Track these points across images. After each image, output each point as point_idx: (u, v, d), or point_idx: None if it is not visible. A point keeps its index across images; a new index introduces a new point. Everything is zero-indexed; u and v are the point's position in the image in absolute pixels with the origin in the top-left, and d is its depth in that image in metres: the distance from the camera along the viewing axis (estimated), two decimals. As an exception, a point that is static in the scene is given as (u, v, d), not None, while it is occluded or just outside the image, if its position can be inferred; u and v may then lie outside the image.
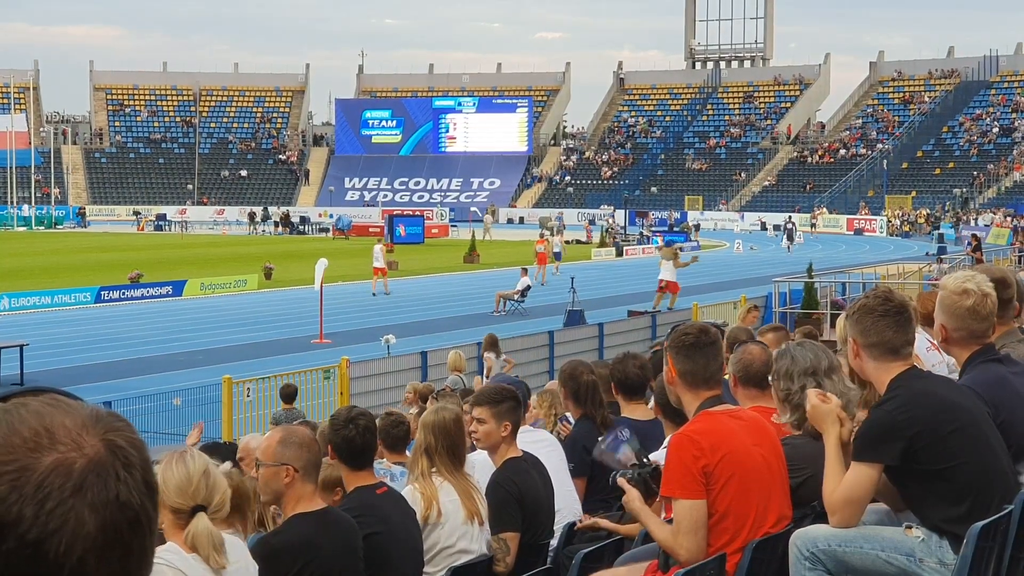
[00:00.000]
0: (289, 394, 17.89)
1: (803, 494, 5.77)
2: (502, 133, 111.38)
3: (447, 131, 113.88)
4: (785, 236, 70.97)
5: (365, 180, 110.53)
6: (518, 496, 6.61)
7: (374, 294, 42.86)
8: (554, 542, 6.86)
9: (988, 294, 5.57)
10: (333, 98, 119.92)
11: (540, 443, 7.54)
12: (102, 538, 1.47)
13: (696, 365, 5.20)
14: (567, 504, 7.20)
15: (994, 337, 5.74)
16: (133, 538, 1.50)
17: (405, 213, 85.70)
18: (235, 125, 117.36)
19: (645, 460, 5.62)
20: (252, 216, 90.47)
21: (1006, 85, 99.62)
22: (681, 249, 38.38)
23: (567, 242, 71.72)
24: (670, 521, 5.10)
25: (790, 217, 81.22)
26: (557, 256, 53.35)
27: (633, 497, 5.32)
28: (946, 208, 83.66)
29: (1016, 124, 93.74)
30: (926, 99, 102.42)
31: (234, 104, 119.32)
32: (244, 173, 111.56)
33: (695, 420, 5.15)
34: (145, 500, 1.53)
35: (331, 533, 5.54)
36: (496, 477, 6.72)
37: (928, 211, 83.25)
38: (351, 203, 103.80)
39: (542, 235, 58.52)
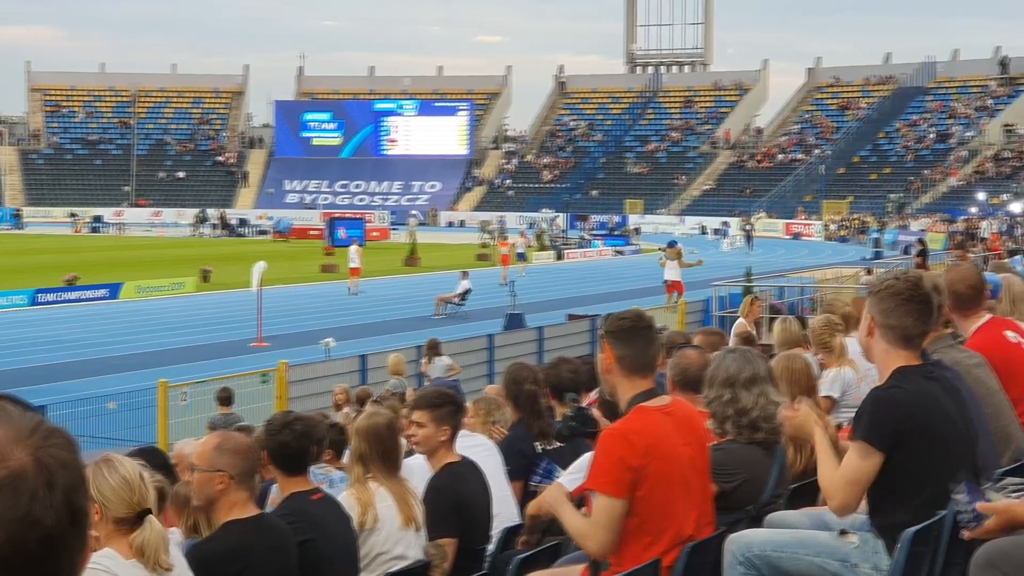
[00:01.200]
0: (225, 398, 17.74)
1: (737, 498, 5.78)
2: (443, 136, 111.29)
3: (388, 134, 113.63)
4: (745, 238, 71.78)
5: (305, 182, 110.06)
6: (456, 501, 6.59)
7: (353, 294, 43.70)
8: (491, 547, 6.83)
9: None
10: (272, 100, 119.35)
11: (478, 447, 7.52)
12: (7, 551, 1.44)
13: (634, 350, 5.14)
14: (504, 509, 7.18)
15: (926, 343, 5.76)
16: (44, 557, 1.46)
17: (345, 216, 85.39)
18: (173, 126, 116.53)
19: (576, 412, 5.58)
20: (199, 217, 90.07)
21: (942, 91, 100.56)
22: (665, 248, 39.02)
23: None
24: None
25: (725, 221, 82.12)
26: (521, 257, 53.87)
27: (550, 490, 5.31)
28: (887, 212, 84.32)
29: (952, 130, 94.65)
30: (863, 105, 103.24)
31: (172, 105, 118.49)
32: (182, 175, 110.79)
33: (630, 417, 5.08)
34: (63, 521, 1.48)
35: (265, 540, 5.50)
36: (434, 482, 6.69)
37: (859, 217, 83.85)
38: (290, 205, 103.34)
39: (506, 237, 59.44)
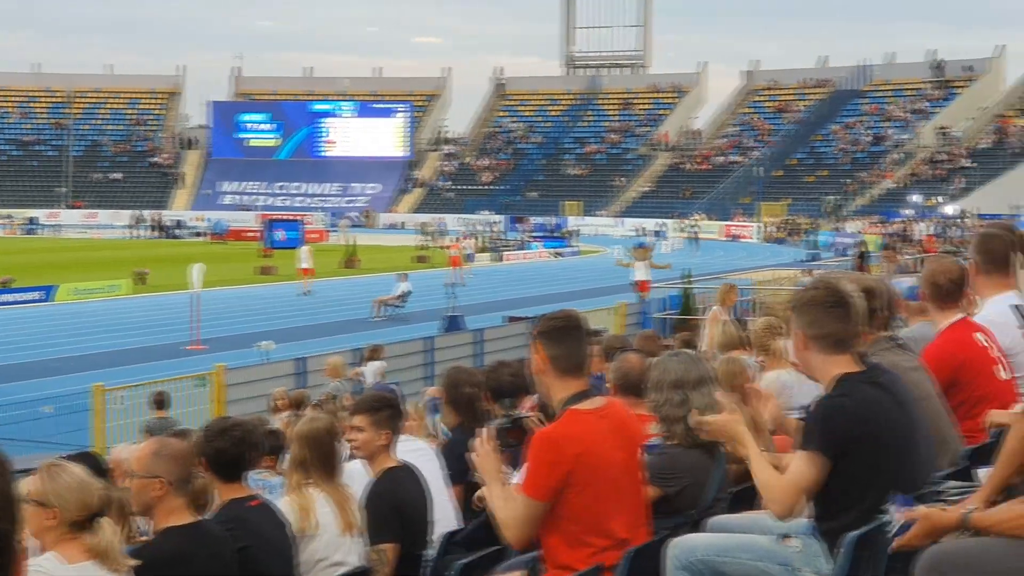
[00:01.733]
0: (161, 402, 17.55)
1: (679, 503, 5.77)
2: (382, 138, 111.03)
3: (326, 135, 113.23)
4: (692, 239, 72.61)
5: (242, 184, 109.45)
6: (396, 506, 6.54)
7: (305, 293, 44.17)
8: (431, 552, 6.79)
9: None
10: (209, 101, 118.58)
11: (418, 452, 7.48)
12: None
13: (567, 349, 5.10)
14: (445, 514, 7.14)
15: (865, 346, 5.76)
16: None
17: (283, 217, 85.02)
18: (108, 127, 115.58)
19: (509, 416, 5.57)
20: (136, 219, 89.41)
21: (878, 94, 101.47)
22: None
23: (447, 247, 71.73)
24: None
25: (663, 222, 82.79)
26: (469, 258, 54.21)
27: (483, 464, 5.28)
28: (824, 214, 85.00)
29: (887, 133, 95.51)
30: (799, 108, 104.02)
31: (107, 106, 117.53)
32: (117, 176, 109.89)
33: (561, 421, 5.05)
34: None
35: (203, 546, 5.44)
36: (374, 487, 6.64)
37: (792, 219, 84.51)
38: (227, 207, 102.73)
39: (457, 239, 60.36)
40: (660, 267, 38.45)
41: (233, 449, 5.93)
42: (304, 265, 45.66)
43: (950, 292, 6.95)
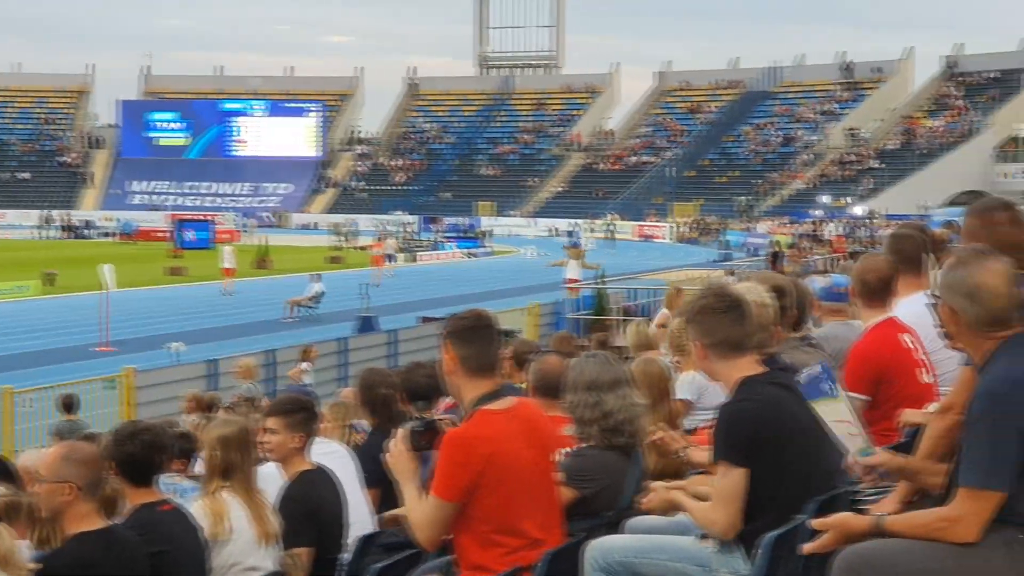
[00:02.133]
0: (69, 404, 17.30)
1: (596, 504, 5.76)
2: (293, 137, 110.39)
3: (237, 135, 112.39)
4: (607, 239, 73.25)
5: (151, 183, 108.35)
6: (310, 510, 6.48)
7: (227, 293, 44.08)
8: (347, 556, 6.73)
9: (767, 304, 5.60)
10: (118, 100, 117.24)
11: (333, 454, 7.42)
12: None
13: (474, 349, 5.09)
14: (360, 517, 7.08)
15: (774, 346, 5.78)
16: None
17: (193, 218, 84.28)
18: (16, 126, 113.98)
19: (422, 419, 5.55)
20: (44, 219, 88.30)
21: (788, 96, 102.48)
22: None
23: (362, 248, 71.56)
24: None
25: (576, 223, 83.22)
26: (390, 259, 54.53)
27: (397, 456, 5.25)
28: (736, 214, 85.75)
29: (797, 134, 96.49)
30: (711, 109, 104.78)
31: (15, 105, 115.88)
32: (26, 175, 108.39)
33: (471, 421, 5.04)
34: None
35: (114, 552, 5.36)
36: (288, 491, 6.57)
37: (701, 219, 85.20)
38: (136, 207, 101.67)
39: (379, 239, 60.77)
40: (590, 267, 38.77)
41: (143, 453, 5.85)
42: (226, 265, 45.70)
43: (878, 290, 6.99)
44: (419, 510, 5.04)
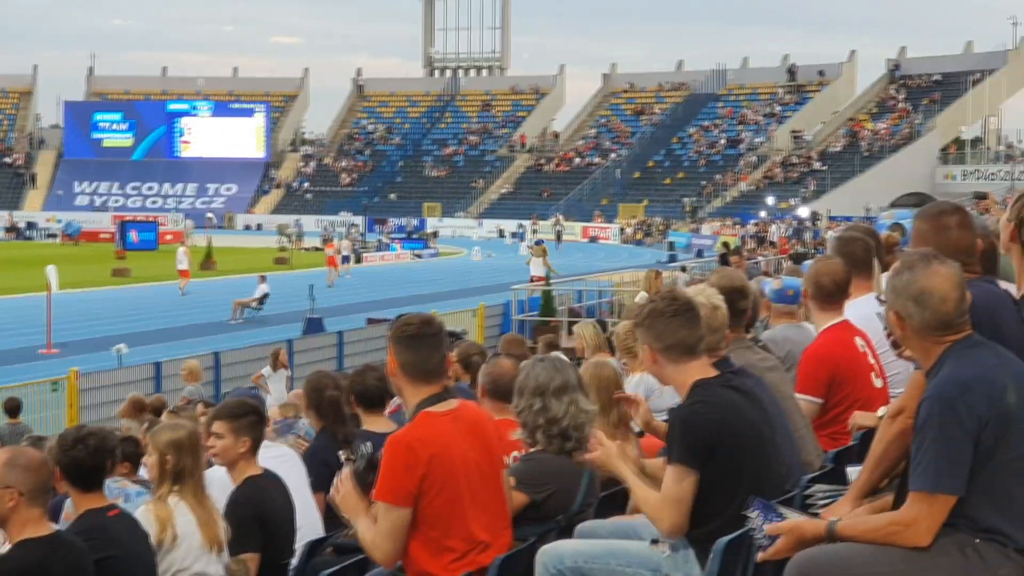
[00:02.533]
0: (13, 408, 17.14)
1: (548, 509, 5.75)
2: (239, 138, 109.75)
3: (182, 135, 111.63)
4: (555, 238, 73.79)
5: (96, 184, 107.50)
6: (258, 516, 6.43)
7: (184, 295, 44.10)
8: (295, 561, 6.69)
9: (718, 307, 5.60)
10: (62, 100, 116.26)
11: (281, 458, 7.37)
12: None
13: (418, 356, 5.10)
14: (308, 521, 7.04)
15: (724, 347, 5.78)
16: None
17: (138, 219, 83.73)
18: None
19: (359, 454, 5.54)
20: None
21: (733, 98, 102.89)
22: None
23: (306, 249, 71.34)
24: None
25: (521, 224, 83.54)
26: (345, 260, 54.88)
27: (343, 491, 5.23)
28: (683, 215, 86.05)
29: (742, 136, 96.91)
30: (657, 111, 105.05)
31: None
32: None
33: (414, 424, 5.04)
34: None
35: (61, 558, 5.31)
36: (235, 496, 6.52)
37: (645, 220, 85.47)
38: (81, 208, 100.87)
39: (330, 240, 60.92)
40: (550, 268, 39.58)
41: (89, 458, 5.79)
42: (181, 267, 46.11)
43: (832, 293, 7.00)
44: (372, 530, 5.01)
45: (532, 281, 37.11)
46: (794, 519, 4.33)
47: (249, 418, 6.65)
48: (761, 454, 4.93)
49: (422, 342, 5.12)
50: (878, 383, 6.78)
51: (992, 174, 79.49)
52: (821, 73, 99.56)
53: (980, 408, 4.10)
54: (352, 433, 7.79)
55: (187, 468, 6.26)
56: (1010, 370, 4.25)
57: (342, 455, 5.76)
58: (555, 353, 14.08)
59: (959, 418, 4.09)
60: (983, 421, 4.09)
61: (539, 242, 48.42)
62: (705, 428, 4.82)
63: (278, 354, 21.96)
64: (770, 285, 8.23)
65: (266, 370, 21.48)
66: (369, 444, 5.88)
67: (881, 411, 5.69)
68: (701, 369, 4.99)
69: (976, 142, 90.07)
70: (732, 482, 4.82)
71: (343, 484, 5.20)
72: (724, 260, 38.45)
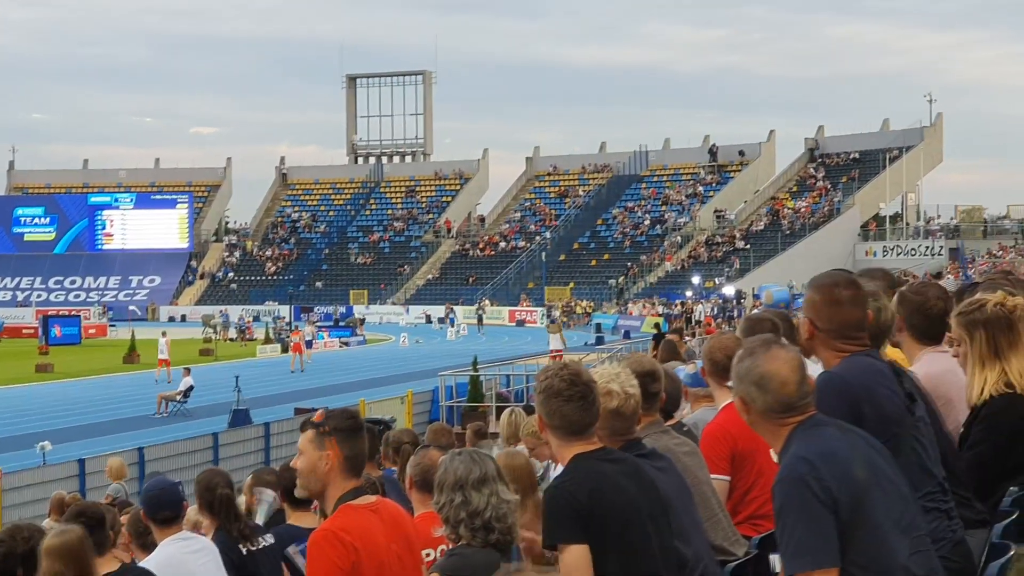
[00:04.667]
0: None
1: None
2: (162, 229, 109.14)
3: (104, 228, 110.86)
4: (449, 324, 73.75)
5: (17, 280, 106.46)
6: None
7: (163, 381, 44.10)
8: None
9: (631, 394, 5.63)
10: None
11: (201, 552, 7.31)
12: None
13: (355, 451, 5.11)
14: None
15: (639, 428, 5.80)
16: None
17: (60, 313, 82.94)
18: None
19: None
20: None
21: (655, 179, 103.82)
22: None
23: (232, 340, 70.95)
24: None
25: (451, 306, 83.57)
26: (308, 344, 55.42)
27: None
28: (610, 297, 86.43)
29: (666, 216, 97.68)
30: (581, 192, 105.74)
31: None
32: None
33: (338, 515, 5.04)
34: None
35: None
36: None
37: (567, 302, 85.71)
38: (3, 303, 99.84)
39: (296, 327, 62.76)
40: (563, 343, 44.76)
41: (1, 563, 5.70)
42: (162, 356, 47.00)
43: (727, 368, 7.03)
44: None
45: (551, 355, 39.63)
46: None
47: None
48: (641, 529, 4.93)
49: (361, 434, 5.17)
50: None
51: (912, 249, 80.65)
52: (741, 153, 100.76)
53: (830, 482, 4.24)
54: (247, 527, 7.80)
55: (77, 574, 6.09)
56: (855, 445, 4.40)
57: (291, 550, 5.70)
58: (483, 441, 14.10)
59: (814, 493, 4.21)
60: (835, 495, 4.22)
61: (554, 320, 54.38)
62: (566, 500, 4.82)
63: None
64: (684, 371, 8.29)
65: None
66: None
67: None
68: (584, 446, 5.02)
69: (895, 218, 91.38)
70: (612, 554, 4.81)
71: None
72: (658, 341, 38.59)
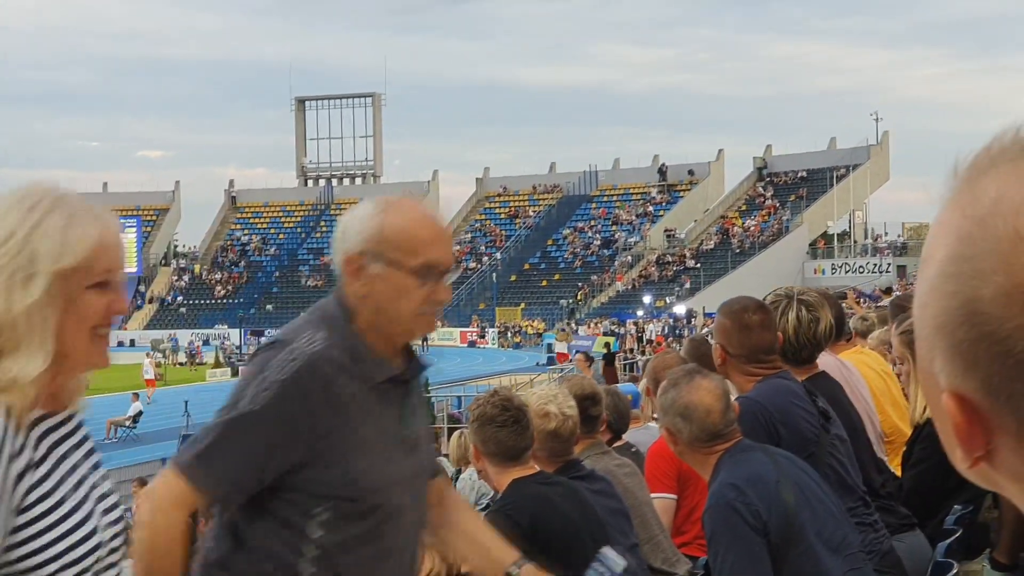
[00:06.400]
0: None
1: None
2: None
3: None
4: (421, 341, 73.28)
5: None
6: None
7: (148, 403, 44.01)
8: None
9: (569, 416, 5.61)
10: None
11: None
12: None
13: None
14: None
15: (579, 450, 5.78)
16: None
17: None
18: None
19: None
20: None
21: (605, 199, 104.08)
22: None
23: (181, 364, 70.50)
24: None
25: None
26: None
27: None
28: (561, 318, 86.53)
29: (616, 236, 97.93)
30: (531, 213, 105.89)
31: None
32: None
33: None
34: None
35: None
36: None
37: (515, 323, 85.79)
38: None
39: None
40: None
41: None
42: (147, 376, 48.66)
43: None
44: None
45: (559, 358, 42.66)
46: None
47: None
48: (582, 552, 4.91)
49: None
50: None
51: (861, 267, 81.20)
52: (691, 172, 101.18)
53: (758, 506, 4.28)
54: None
55: None
56: (782, 468, 4.43)
57: None
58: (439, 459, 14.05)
59: (743, 518, 4.23)
60: (764, 518, 4.25)
61: (562, 329, 60.30)
62: (513, 526, 4.81)
63: None
64: (630, 389, 8.30)
65: None
66: None
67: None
68: (521, 472, 5.02)
69: (844, 236, 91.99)
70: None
71: None
72: (609, 361, 38.51)
